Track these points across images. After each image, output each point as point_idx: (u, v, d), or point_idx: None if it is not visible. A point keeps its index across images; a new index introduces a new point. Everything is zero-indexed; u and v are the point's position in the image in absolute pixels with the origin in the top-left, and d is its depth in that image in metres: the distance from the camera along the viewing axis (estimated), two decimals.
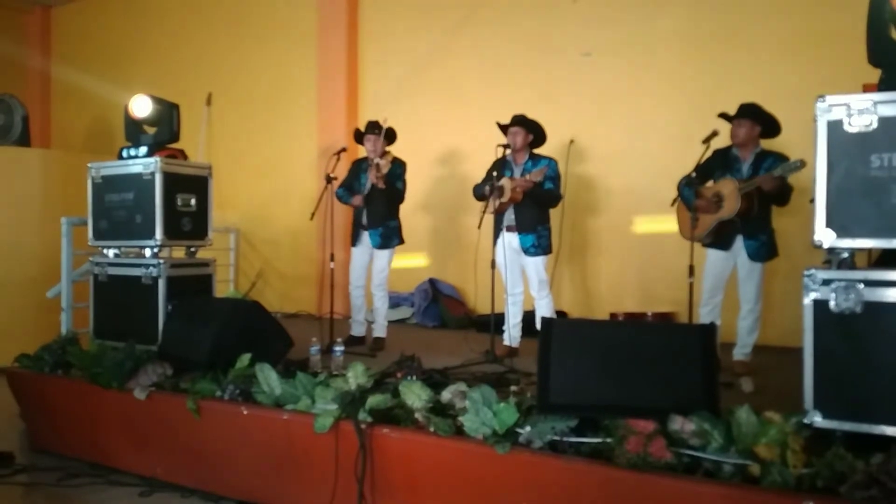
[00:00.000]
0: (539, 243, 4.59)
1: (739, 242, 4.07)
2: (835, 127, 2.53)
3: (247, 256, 7.76)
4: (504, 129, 4.68)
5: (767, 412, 2.50)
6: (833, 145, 2.53)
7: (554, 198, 4.65)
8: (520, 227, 4.58)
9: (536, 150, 4.76)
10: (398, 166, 5.03)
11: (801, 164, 3.74)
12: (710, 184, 4.18)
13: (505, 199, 4.52)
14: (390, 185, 4.91)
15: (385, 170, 4.89)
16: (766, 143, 4.19)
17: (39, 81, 10.04)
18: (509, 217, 4.61)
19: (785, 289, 4.89)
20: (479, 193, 4.71)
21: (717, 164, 4.11)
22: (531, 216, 4.57)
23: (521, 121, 4.63)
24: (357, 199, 5.03)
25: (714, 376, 2.71)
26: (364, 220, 5.04)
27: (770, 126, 4.11)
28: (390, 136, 5.10)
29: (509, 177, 4.59)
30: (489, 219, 4.56)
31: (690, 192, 4.14)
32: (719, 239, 4.11)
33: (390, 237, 5.03)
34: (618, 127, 5.93)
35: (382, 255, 5.04)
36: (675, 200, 4.28)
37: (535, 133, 4.70)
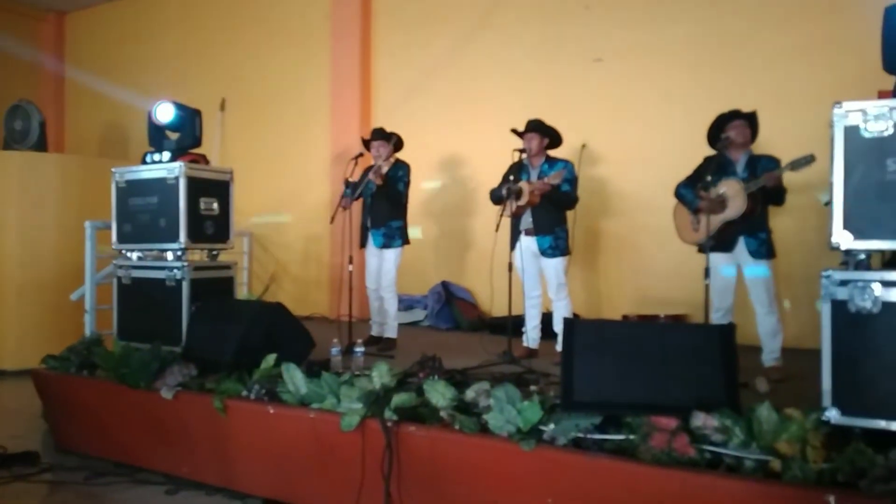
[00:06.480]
0: (557, 245, 4.66)
1: (741, 243, 4.07)
2: (851, 132, 2.60)
3: (260, 260, 7.84)
4: (520, 134, 4.75)
5: (787, 409, 2.56)
6: (850, 150, 2.60)
7: (571, 200, 4.73)
8: (537, 230, 4.65)
9: (552, 154, 4.83)
10: (400, 168, 5.14)
11: (812, 159, 3.76)
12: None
13: (523, 202, 4.60)
14: (390, 184, 5.00)
15: (385, 169, 5.01)
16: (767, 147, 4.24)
17: (53, 86, 10.16)
18: (527, 220, 4.68)
19: (785, 290, 4.90)
20: (497, 197, 4.79)
21: (710, 170, 4.04)
22: (549, 218, 4.65)
23: (535, 126, 4.72)
24: (345, 201, 5.01)
25: (734, 375, 2.78)
26: (368, 221, 5.14)
27: (755, 130, 4.19)
28: (396, 143, 5.18)
29: (526, 180, 4.67)
30: (506, 222, 4.63)
31: (690, 193, 4.20)
32: (721, 241, 4.08)
33: (392, 237, 5.10)
34: (630, 131, 6.00)
35: (386, 255, 5.11)
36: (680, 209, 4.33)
37: (551, 137, 4.78)
